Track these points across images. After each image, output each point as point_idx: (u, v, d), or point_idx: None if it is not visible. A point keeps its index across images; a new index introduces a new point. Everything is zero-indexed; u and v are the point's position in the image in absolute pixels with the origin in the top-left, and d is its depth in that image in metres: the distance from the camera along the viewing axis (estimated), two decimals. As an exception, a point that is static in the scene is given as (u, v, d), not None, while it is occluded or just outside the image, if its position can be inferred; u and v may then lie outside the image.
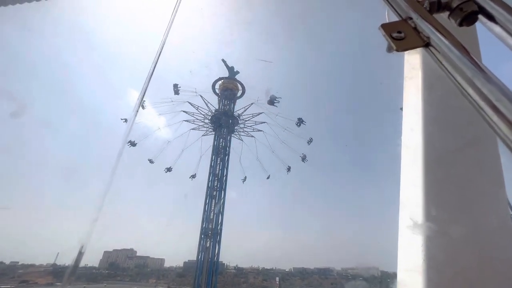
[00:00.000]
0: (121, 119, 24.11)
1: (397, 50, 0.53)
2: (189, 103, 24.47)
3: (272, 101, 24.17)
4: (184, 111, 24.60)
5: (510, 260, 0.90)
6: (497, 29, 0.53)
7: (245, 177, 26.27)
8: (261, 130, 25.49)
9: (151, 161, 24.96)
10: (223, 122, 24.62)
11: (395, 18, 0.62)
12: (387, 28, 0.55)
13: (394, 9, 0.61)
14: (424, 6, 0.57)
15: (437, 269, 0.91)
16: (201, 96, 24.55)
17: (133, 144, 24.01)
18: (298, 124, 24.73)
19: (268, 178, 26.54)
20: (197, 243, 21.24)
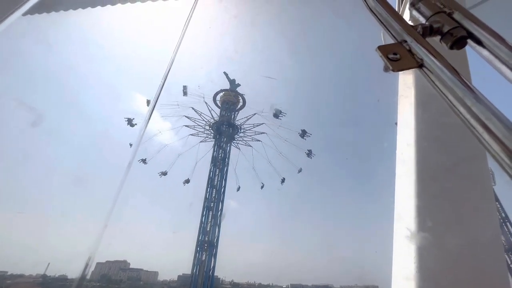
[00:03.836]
0: (125, 119, 23.86)
1: (393, 70, 0.57)
2: (193, 108, 24.81)
3: (277, 115, 24.45)
4: (186, 116, 24.87)
5: (500, 271, 0.92)
6: (485, 52, 0.57)
7: (239, 187, 26.08)
8: (259, 140, 25.61)
9: (164, 173, 24.72)
10: (223, 131, 24.78)
11: (390, 40, 0.66)
12: (383, 49, 0.59)
13: (390, 32, 0.66)
14: (418, 30, 0.62)
15: (431, 279, 0.92)
16: (205, 102, 24.91)
17: (144, 161, 24.01)
18: (302, 135, 24.67)
19: (262, 187, 26.35)
20: (192, 256, 20.75)
